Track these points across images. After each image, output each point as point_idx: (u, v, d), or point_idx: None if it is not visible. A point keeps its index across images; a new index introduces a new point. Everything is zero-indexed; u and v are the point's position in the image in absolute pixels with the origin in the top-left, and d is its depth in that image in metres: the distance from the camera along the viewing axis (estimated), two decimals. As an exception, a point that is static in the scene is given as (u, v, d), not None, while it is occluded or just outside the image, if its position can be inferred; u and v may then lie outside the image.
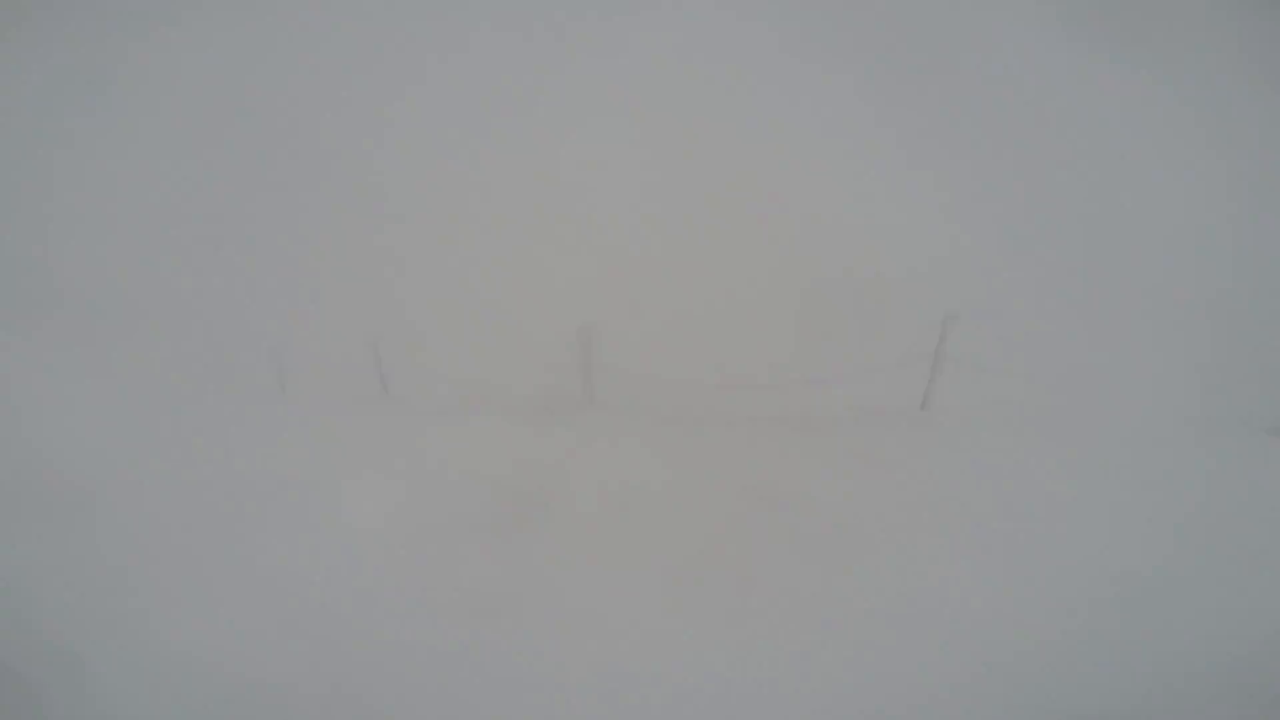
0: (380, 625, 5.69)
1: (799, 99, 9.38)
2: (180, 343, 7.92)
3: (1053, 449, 6.70)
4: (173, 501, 6.42)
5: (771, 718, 4.48)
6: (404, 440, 7.06)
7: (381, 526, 5.93)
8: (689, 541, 5.71)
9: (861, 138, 8.97)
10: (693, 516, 5.96)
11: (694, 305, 8.22)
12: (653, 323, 8.04)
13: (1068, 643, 4.87)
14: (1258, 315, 7.38)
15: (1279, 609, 4.85)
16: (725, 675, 4.72)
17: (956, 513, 6.00)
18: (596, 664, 4.78)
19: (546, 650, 4.90)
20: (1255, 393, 6.71)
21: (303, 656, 5.42)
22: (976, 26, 9.45)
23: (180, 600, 5.66)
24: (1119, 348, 7.38)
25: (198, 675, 5.12)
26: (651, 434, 6.91)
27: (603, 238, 8.44)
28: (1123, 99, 9.03)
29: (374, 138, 8.91)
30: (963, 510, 6.05)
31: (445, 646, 4.99)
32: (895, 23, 9.57)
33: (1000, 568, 5.42)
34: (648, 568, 5.44)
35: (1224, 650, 4.59)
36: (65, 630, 5.01)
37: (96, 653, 4.96)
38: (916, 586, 5.33)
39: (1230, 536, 5.52)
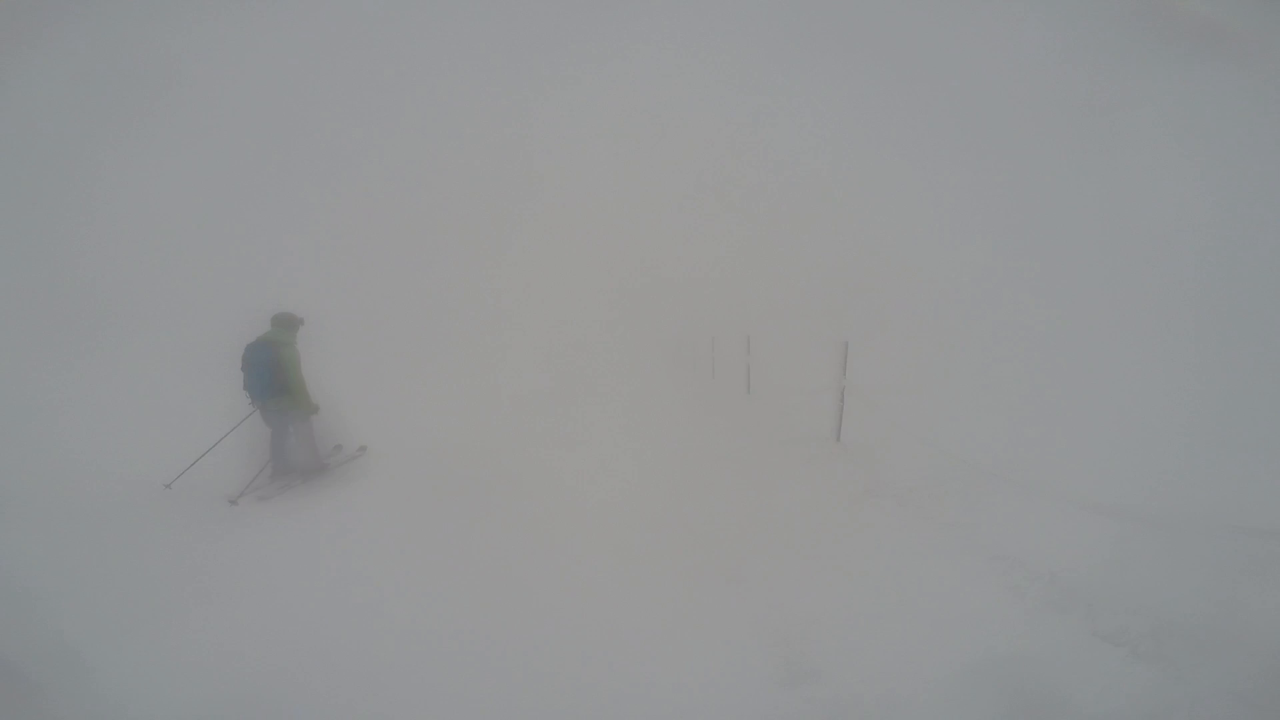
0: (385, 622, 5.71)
1: (799, 98, 9.38)
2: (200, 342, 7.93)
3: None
4: (174, 500, 6.46)
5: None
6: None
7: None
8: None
9: (859, 136, 8.98)
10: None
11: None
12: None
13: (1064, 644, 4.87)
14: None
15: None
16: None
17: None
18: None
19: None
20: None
21: (303, 654, 5.45)
22: (977, 28, 9.45)
23: (181, 597, 5.70)
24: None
25: (199, 672, 5.15)
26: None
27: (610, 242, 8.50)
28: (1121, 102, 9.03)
29: (375, 139, 8.95)
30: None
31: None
32: (894, 24, 9.57)
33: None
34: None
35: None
36: (66, 628, 5.05)
37: (97, 650, 5.00)
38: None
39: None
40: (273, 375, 5.83)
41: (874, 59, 9.31)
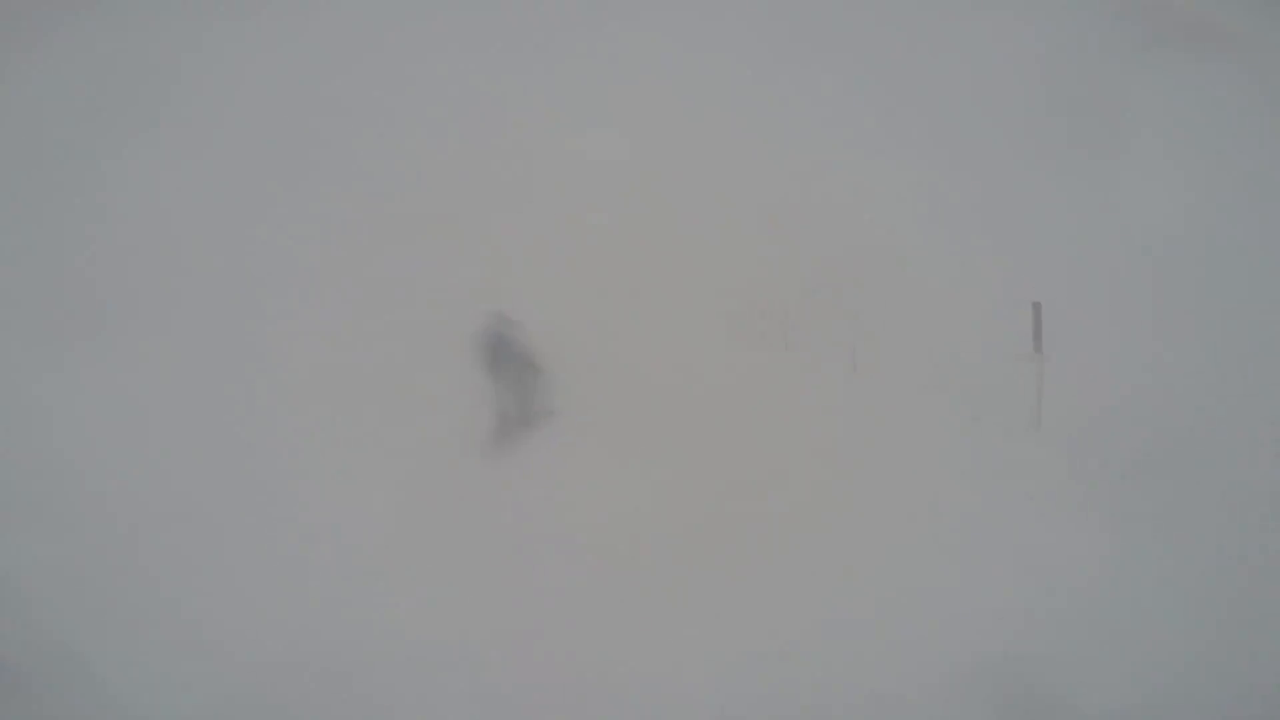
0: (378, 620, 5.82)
1: (798, 98, 9.40)
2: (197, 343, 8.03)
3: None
4: (173, 499, 6.56)
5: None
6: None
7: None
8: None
9: (857, 135, 9.00)
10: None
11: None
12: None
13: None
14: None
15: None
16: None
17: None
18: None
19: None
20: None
21: (300, 653, 5.56)
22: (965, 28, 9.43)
23: (180, 596, 5.81)
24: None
25: (198, 671, 5.26)
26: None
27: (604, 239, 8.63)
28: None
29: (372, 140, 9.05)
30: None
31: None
32: (892, 22, 9.54)
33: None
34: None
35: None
36: (66, 627, 5.14)
37: (97, 649, 5.10)
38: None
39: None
40: (510, 347, 7.87)
41: (862, 58, 9.35)
